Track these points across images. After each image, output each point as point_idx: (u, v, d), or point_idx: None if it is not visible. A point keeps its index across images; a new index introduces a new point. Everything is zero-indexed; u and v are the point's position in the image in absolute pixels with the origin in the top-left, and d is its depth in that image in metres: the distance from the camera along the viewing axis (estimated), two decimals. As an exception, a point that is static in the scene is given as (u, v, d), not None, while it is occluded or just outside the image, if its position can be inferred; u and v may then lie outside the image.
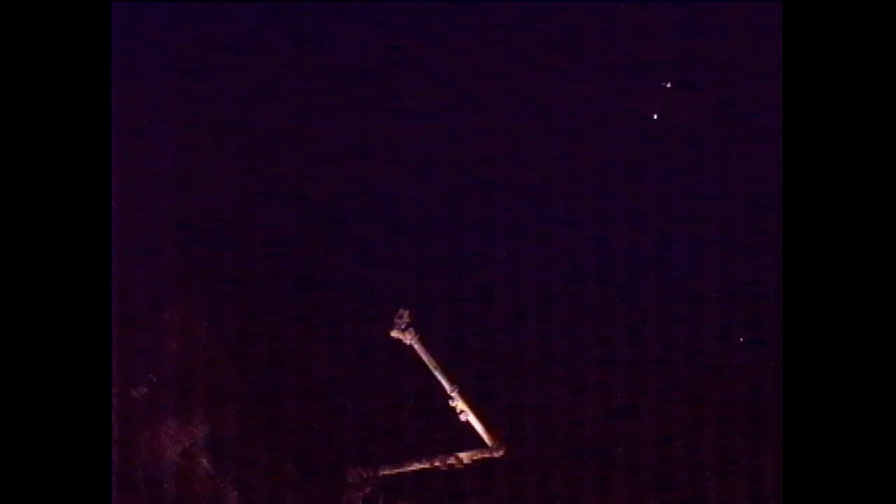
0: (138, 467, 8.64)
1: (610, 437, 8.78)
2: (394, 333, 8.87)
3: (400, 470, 8.67)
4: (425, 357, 8.81)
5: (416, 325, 8.88)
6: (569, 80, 9.29)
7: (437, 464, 8.67)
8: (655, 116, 9.08)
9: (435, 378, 8.82)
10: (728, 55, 9.16)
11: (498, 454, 8.73)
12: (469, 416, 8.75)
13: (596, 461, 8.74)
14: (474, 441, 8.78)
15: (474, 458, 8.73)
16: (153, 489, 8.64)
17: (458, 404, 8.76)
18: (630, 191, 9.13)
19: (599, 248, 9.05)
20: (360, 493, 8.64)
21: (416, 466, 8.68)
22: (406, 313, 8.85)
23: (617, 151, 9.18)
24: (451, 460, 8.68)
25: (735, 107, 9.15)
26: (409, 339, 8.84)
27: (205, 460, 8.70)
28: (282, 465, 8.68)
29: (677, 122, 9.17)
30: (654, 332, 8.93)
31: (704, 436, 8.76)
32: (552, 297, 9.01)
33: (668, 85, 9.04)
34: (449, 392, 8.77)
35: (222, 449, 8.75)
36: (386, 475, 8.68)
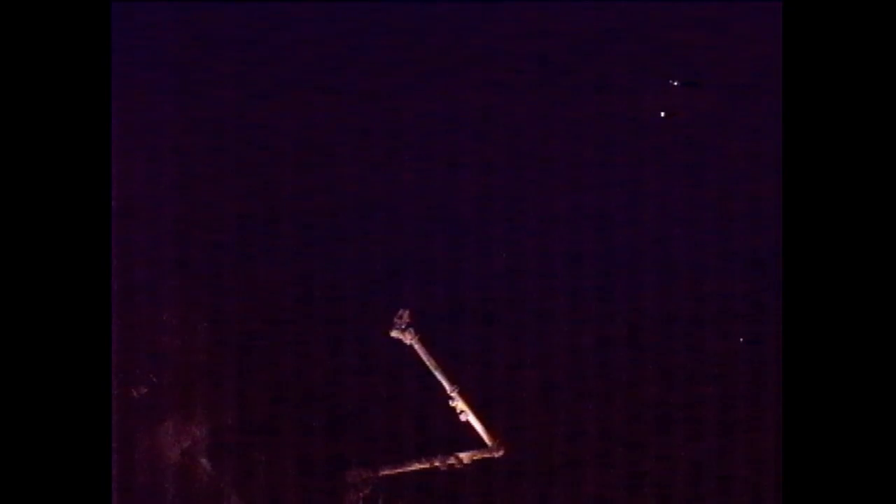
0: (138, 467, 8.65)
1: (610, 437, 8.78)
2: (394, 333, 8.87)
3: (400, 470, 8.68)
4: (425, 357, 8.81)
5: (416, 325, 8.88)
6: (568, 79, 9.29)
7: (437, 464, 8.67)
8: (662, 114, 9.08)
9: (435, 378, 8.82)
10: (728, 55, 9.16)
11: (498, 454, 8.73)
12: (469, 416, 8.75)
13: (596, 461, 8.74)
14: (474, 441, 8.78)
15: (474, 458, 8.73)
16: (153, 489, 8.64)
17: (458, 404, 8.76)
18: (630, 190, 9.13)
19: (599, 248, 9.05)
20: (360, 493, 8.64)
21: (416, 466, 8.68)
22: (406, 313, 8.85)
23: (617, 152, 9.19)
24: (451, 460, 8.68)
25: (735, 107, 9.15)
26: (409, 339, 8.84)
27: (205, 460, 8.71)
28: (282, 465, 8.69)
29: (677, 121, 9.18)
30: (654, 331, 8.93)
31: (705, 436, 8.76)
32: (552, 297, 9.01)
33: (676, 83, 9.04)
34: (449, 392, 8.77)
35: (222, 449, 8.76)
36: (386, 475, 8.68)
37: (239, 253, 9.10)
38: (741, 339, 8.87)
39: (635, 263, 9.04)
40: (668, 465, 8.71)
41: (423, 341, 8.83)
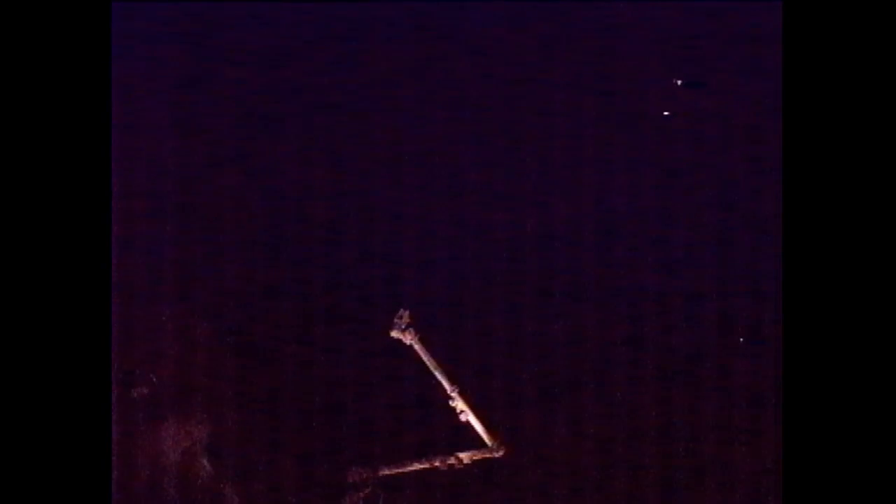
0: (138, 467, 8.64)
1: (610, 436, 8.77)
2: (394, 333, 8.87)
3: (400, 470, 8.67)
4: (425, 357, 8.81)
5: (416, 325, 8.88)
6: (568, 79, 9.29)
7: (437, 464, 8.67)
8: (666, 113, 9.08)
9: (435, 378, 8.82)
10: (728, 55, 9.16)
11: (498, 454, 8.73)
12: (469, 416, 8.75)
13: (596, 461, 8.73)
14: (474, 441, 8.78)
15: (474, 458, 8.73)
16: (153, 489, 8.64)
17: (458, 404, 8.75)
18: (630, 191, 9.13)
19: (599, 248, 9.05)
20: (360, 493, 8.64)
21: (416, 466, 8.68)
22: (406, 313, 8.85)
23: (617, 152, 9.18)
24: (451, 460, 8.68)
25: (735, 107, 9.15)
26: (409, 339, 8.84)
27: (205, 460, 8.70)
28: (282, 465, 8.68)
29: (677, 121, 9.17)
30: (654, 331, 8.92)
31: (704, 435, 8.75)
32: (552, 297, 9.00)
33: (680, 83, 9.04)
34: (449, 392, 8.76)
35: (222, 449, 8.75)
36: (386, 475, 8.67)
37: (239, 253, 9.10)
38: (741, 339, 8.86)
39: (635, 264, 9.03)
40: (668, 464, 8.70)
41: (423, 341, 8.83)
